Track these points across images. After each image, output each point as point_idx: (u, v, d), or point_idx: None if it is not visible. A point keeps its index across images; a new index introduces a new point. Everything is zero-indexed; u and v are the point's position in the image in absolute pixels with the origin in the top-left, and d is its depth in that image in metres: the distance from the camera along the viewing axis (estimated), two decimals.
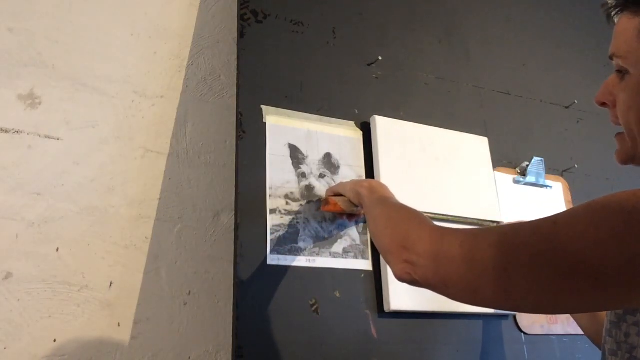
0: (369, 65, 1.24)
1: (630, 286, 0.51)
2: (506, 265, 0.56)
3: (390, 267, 0.71)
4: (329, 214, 1.05)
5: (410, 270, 0.66)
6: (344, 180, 1.06)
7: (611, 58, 0.67)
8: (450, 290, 0.63)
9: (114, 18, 1.19)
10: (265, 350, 0.91)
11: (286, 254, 0.98)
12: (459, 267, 0.61)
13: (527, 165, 1.32)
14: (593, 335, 0.97)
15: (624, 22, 0.66)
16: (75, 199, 1.06)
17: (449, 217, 1.14)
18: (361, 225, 1.08)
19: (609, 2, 0.70)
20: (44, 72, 1.10)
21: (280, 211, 1.01)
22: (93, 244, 1.05)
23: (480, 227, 0.67)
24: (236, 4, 1.15)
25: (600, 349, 0.93)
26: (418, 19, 1.37)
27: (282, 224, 1.00)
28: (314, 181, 1.07)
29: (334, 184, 1.07)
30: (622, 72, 0.66)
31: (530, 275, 0.55)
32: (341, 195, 1.02)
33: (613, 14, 0.68)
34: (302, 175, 1.06)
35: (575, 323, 1.05)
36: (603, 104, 0.70)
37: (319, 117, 1.12)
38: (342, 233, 1.05)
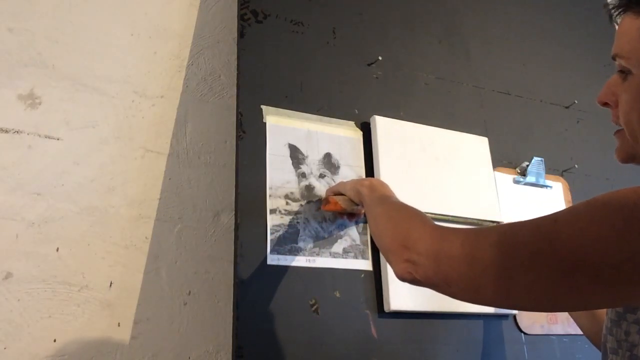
0: (369, 65, 1.24)
1: (630, 284, 0.51)
2: (507, 264, 0.57)
3: (392, 266, 0.71)
4: (329, 213, 1.05)
5: (412, 270, 0.66)
6: (344, 180, 1.06)
7: (614, 58, 0.67)
8: (451, 289, 0.64)
9: (114, 18, 1.19)
10: (265, 350, 0.91)
11: (286, 254, 0.98)
12: (460, 266, 0.61)
13: (527, 165, 1.32)
14: (592, 335, 0.97)
15: (627, 23, 0.66)
16: (75, 199, 1.06)
17: (449, 217, 1.14)
18: (361, 225, 1.08)
19: (612, 2, 0.69)
20: (44, 72, 1.10)
21: (280, 211, 1.01)
22: (93, 244, 1.05)
23: (481, 227, 0.67)
24: (236, 4, 1.15)
25: (599, 349, 0.93)
26: (418, 19, 1.37)
27: (282, 224, 1.00)
28: (314, 181, 1.07)
29: (334, 184, 1.07)
30: (624, 73, 0.66)
31: (531, 273, 0.55)
32: (341, 194, 1.02)
33: (615, 14, 0.68)
34: (302, 175, 1.06)
35: (575, 323, 1.05)
36: (605, 104, 0.70)
37: (319, 117, 1.12)
38: (342, 233, 1.05)
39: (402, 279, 0.69)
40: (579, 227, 0.53)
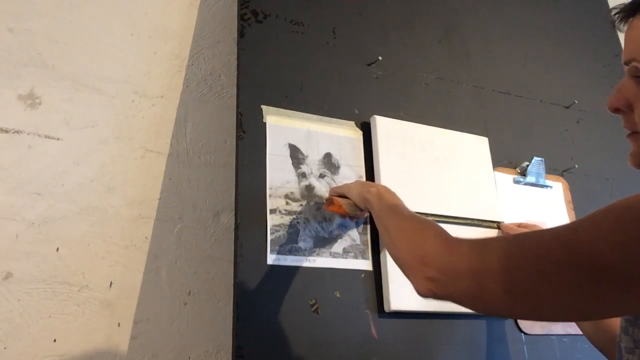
0: (369, 65, 1.24)
1: None
2: (535, 278, 0.55)
3: (411, 281, 0.70)
4: (330, 213, 1.05)
5: (433, 287, 0.65)
6: (345, 180, 1.06)
7: (627, 63, 0.65)
8: (476, 304, 0.63)
9: (114, 18, 1.19)
10: (265, 350, 0.91)
11: (286, 254, 0.98)
12: (484, 282, 0.59)
13: (527, 165, 1.32)
14: (596, 341, 0.96)
15: (639, 26, 0.64)
16: (75, 199, 1.06)
17: (449, 218, 1.14)
18: (361, 225, 1.08)
19: (618, 6, 0.68)
20: (44, 72, 1.10)
21: (280, 211, 1.01)
22: (93, 244, 1.05)
23: (495, 238, 0.65)
24: (236, 4, 1.15)
25: (601, 351, 0.93)
26: (418, 19, 1.37)
27: (282, 224, 1.00)
28: (314, 181, 1.07)
29: (334, 184, 1.07)
30: (639, 77, 0.64)
31: (558, 284, 0.54)
32: (345, 196, 1.01)
33: (620, 18, 0.67)
34: (302, 175, 1.06)
35: (575, 323, 1.05)
36: (616, 110, 0.68)
37: (319, 117, 1.12)
38: (342, 233, 1.05)
39: (423, 295, 0.67)
40: (601, 234, 0.52)
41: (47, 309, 0.99)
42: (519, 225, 1.17)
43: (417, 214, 0.79)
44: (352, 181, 1.05)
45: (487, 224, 1.19)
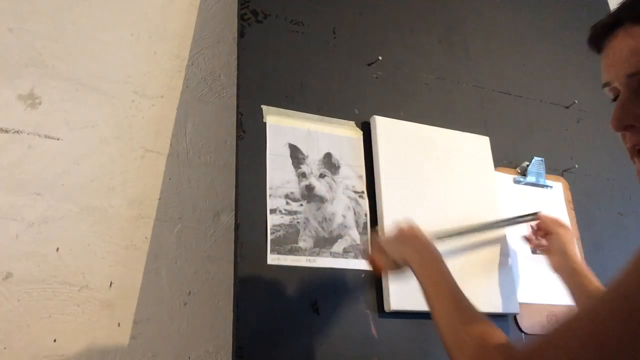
0: (369, 65, 1.24)
1: None
2: None
3: None
4: (329, 213, 1.05)
5: None
6: (345, 180, 1.06)
7: (631, 76, 0.61)
8: None
9: (114, 18, 1.20)
10: (265, 350, 0.91)
11: (286, 254, 0.98)
12: None
13: (527, 165, 1.32)
14: None
15: (636, 35, 0.60)
16: (75, 199, 1.06)
17: (451, 231, 1.13)
18: (362, 225, 1.08)
19: (597, 24, 0.64)
20: (44, 72, 1.10)
21: (280, 211, 1.01)
22: (93, 244, 1.05)
23: (551, 340, 0.61)
24: (236, 4, 1.16)
25: None
26: (418, 19, 1.37)
27: (282, 224, 1.00)
28: (314, 181, 1.07)
29: (334, 184, 1.07)
30: None
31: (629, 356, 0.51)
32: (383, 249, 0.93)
33: (603, 32, 0.63)
34: (302, 175, 1.06)
35: None
36: (627, 128, 0.63)
37: (319, 117, 1.12)
38: (342, 233, 1.05)
39: None
40: None
41: (47, 309, 0.99)
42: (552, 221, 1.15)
43: (471, 306, 0.73)
44: (386, 231, 0.99)
45: (525, 218, 1.18)
